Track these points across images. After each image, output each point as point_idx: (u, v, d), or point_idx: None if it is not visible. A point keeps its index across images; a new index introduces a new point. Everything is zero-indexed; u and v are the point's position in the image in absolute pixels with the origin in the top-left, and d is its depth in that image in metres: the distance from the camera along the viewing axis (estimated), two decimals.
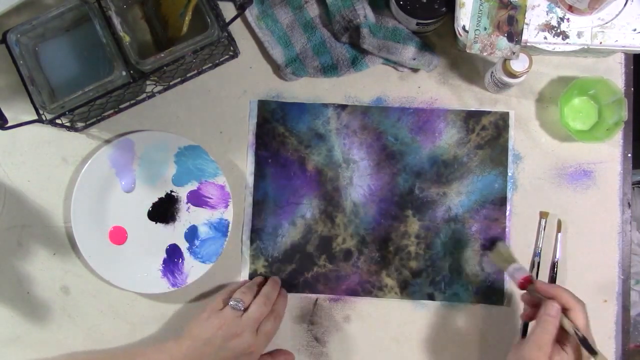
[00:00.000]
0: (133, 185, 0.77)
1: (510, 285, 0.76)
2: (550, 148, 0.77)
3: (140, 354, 0.70)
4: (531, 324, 0.76)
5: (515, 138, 0.77)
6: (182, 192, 0.77)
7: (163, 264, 0.77)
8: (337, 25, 0.76)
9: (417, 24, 0.73)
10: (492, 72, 0.73)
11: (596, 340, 0.75)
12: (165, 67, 0.69)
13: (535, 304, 0.64)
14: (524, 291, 0.66)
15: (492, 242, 0.75)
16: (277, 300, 0.73)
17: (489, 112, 0.78)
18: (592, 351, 0.56)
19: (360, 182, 0.78)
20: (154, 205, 0.77)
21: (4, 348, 0.77)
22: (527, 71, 0.68)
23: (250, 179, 0.78)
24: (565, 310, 0.60)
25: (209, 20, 0.68)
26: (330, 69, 0.77)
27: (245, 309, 0.70)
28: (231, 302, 0.70)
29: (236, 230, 0.77)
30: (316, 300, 0.77)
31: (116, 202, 0.77)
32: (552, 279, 0.75)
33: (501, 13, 0.67)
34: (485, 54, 0.68)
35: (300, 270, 0.77)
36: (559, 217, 0.76)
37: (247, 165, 0.78)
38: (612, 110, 0.74)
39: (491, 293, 0.76)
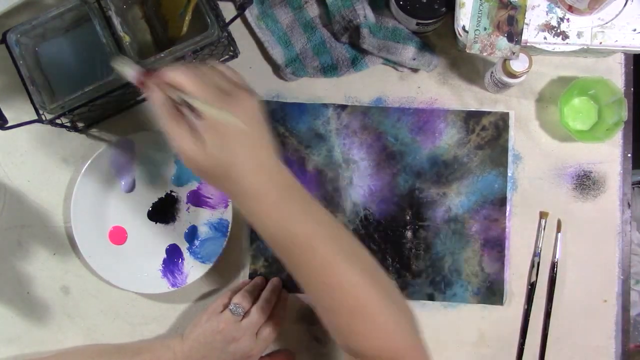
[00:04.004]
0: (133, 185, 0.77)
1: (510, 285, 0.76)
2: (550, 148, 0.77)
3: (146, 349, 0.71)
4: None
5: (515, 138, 0.77)
6: (182, 192, 0.77)
7: (163, 264, 0.77)
8: (337, 25, 0.76)
9: (417, 24, 0.73)
10: (492, 72, 0.73)
11: (596, 340, 0.75)
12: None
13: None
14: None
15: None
16: (277, 304, 0.73)
17: (489, 113, 0.78)
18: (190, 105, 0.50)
19: (360, 183, 0.78)
20: (154, 205, 0.77)
21: (4, 348, 0.77)
22: (527, 71, 0.68)
23: None
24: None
25: (209, 20, 0.68)
26: (330, 69, 0.77)
27: (245, 314, 0.70)
28: (231, 307, 0.69)
29: (236, 230, 0.77)
30: None
31: (116, 202, 0.77)
32: (552, 279, 0.76)
33: (501, 13, 0.67)
34: (485, 54, 0.68)
35: None
36: (559, 217, 0.76)
37: None
38: (612, 110, 0.74)
39: (491, 293, 0.76)
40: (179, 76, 0.49)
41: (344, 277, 0.54)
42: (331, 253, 0.54)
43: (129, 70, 0.54)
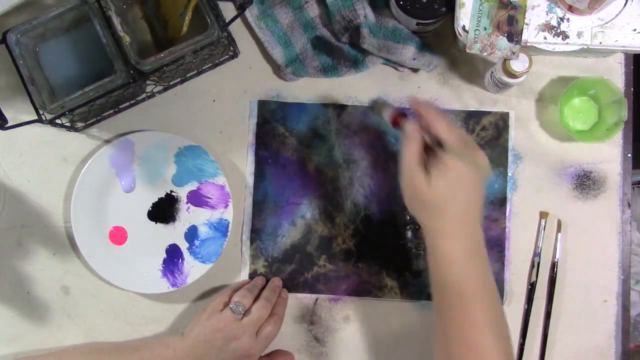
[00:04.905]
0: (133, 185, 0.77)
1: (510, 285, 0.76)
2: (550, 148, 0.77)
3: (145, 347, 0.71)
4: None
5: (515, 138, 0.77)
6: (182, 192, 0.77)
7: (163, 264, 0.77)
8: (337, 25, 0.76)
9: (417, 24, 0.73)
10: (492, 72, 0.73)
11: (596, 340, 0.75)
12: (165, 67, 0.69)
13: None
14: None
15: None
16: (278, 302, 0.73)
17: (489, 113, 0.78)
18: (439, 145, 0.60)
19: (360, 183, 0.77)
20: (154, 205, 0.77)
21: (4, 348, 0.77)
22: (527, 71, 0.68)
23: (250, 179, 0.78)
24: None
25: (209, 20, 0.68)
26: (330, 69, 0.77)
27: (246, 312, 0.70)
28: (231, 305, 0.70)
29: (236, 230, 0.77)
30: (316, 300, 0.77)
31: (116, 202, 0.77)
32: (552, 279, 0.76)
33: (501, 13, 0.67)
34: (485, 54, 0.68)
35: (300, 270, 0.77)
36: (559, 217, 0.76)
37: (247, 165, 0.78)
38: (612, 110, 0.74)
39: None
40: (439, 124, 0.60)
41: (482, 342, 0.58)
42: (481, 318, 0.59)
43: (386, 112, 0.68)
